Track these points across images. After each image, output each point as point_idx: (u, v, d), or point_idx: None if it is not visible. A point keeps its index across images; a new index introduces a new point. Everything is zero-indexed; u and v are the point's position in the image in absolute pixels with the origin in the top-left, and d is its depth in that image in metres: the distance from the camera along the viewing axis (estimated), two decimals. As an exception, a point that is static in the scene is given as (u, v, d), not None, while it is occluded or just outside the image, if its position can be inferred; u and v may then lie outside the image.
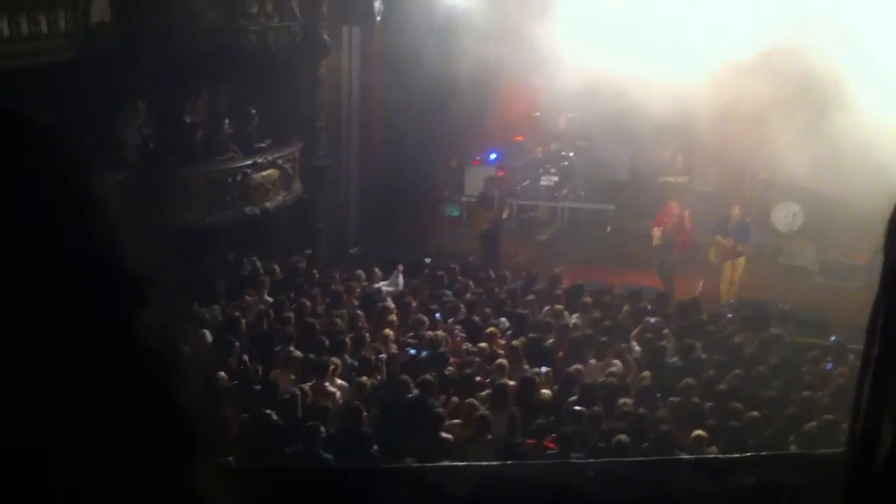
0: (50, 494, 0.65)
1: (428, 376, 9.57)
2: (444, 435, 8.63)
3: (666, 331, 12.09)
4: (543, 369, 10.57)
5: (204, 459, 0.75)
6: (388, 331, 11.26)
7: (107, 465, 0.67)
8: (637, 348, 11.56)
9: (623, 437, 8.50)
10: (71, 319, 0.67)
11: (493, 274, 14.67)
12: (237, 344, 10.49)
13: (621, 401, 9.64)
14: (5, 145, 0.70)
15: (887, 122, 14.54)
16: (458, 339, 11.48)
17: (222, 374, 9.41)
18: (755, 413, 9.44)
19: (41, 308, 0.66)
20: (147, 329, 0.72)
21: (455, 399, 9.52)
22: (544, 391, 10.01)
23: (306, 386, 9.53)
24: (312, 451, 8.07)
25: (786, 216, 16.65)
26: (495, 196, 16.81)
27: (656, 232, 15.67)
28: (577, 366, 10.62)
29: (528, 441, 8.72)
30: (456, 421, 9.02)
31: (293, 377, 9.89)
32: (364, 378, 9.71)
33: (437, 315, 12.39)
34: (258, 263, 13.67)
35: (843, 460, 0.83)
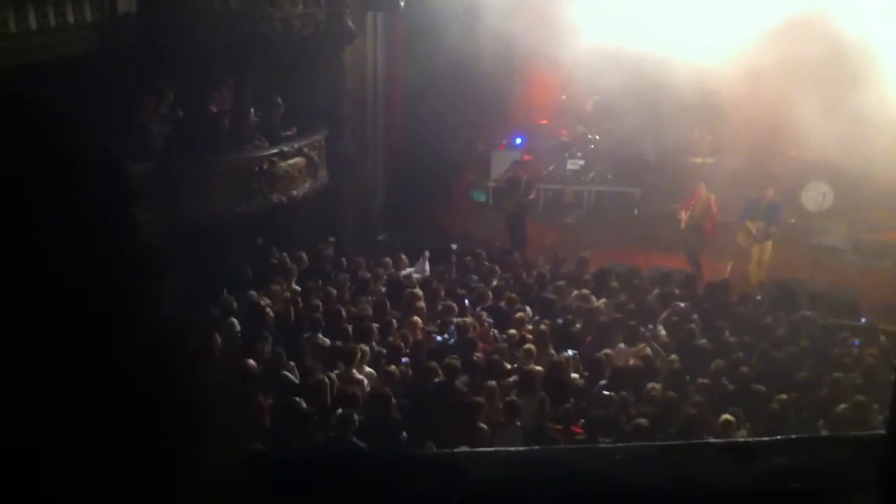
0: (50, 494, 0.64)
1: (451, 360, 9.60)
2: (481, 424, 8.62)
3: (695, 315, 12.01)
4: (570, 352, 10.55)
5: (210, 454, 0.74)
6: (416, 318, 11.26)
7: (108, 465, 0.65)
8: (663, 332, 11.50)
9: (643, 420, 8.44)
10: (75, 318, 0.66)
11: (519, 259, 14.64)
12: (266, 333, 10.54)
13: (650, 385, 9.59)
14: (25, 129, 0.70)
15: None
16: (486, 324, 11.48)
17: (251, 361, 9.47)
18: (783, 396, 9.37)
19: (44, 304, 0.64)
20: (156, 327, 0.71)
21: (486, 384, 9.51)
22: (574, 375, 9.99)
23: (333, 374, 9.56)
24: (346, 439, 8.11)
25: (815, 196, 16.46)
26: (522, 179, 16.77)
27: (683, 215, 15.58)
28: (607, 350, 10.59)
29: (556, 427, 8.70)
30: (479, 399, 9.02)
31: (320, 365, 9.93)
32: (393, 367, 9.72)
33: (465, 301, 12.39)
34: (285, 256, 13.72)
35: (882, 442, 0.81)
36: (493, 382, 9.33)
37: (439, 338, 10.99)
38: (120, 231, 0.72)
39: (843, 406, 9.18)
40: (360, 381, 9.56)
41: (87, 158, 0.73)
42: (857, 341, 11.64)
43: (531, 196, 16.98)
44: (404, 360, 10.08)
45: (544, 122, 19.93)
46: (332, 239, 15.16)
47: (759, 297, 13.23)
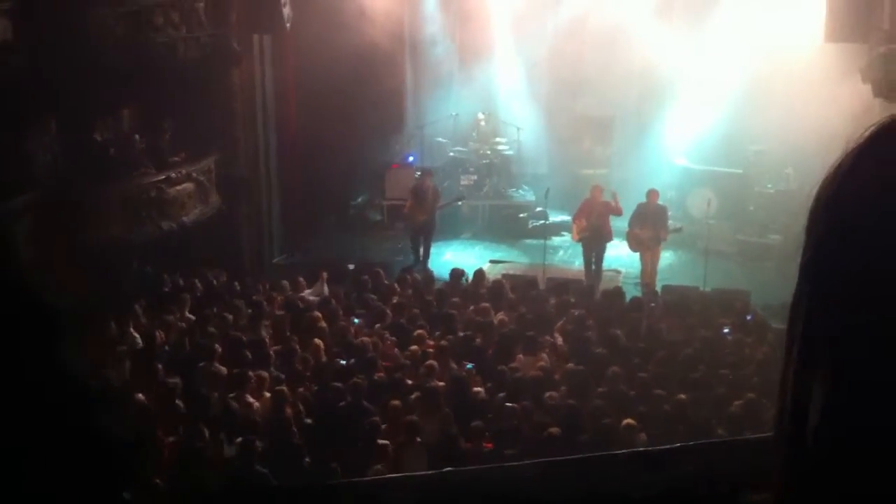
0: None
1: (356, 379, 9.55)
2: (381, 441, 8.59)
3: (590, 322, 12.21)
4: (469, 366, 10.60)
5: (129, 483, 0.72)
6: (317, 340, 11.15)
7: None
8: (560, 340, 11.66)
9: (554, 429, 8.55)
10: None
11: (418, 277, 14.64)
12: (159, 364, 10.26)
13: (547, 394, 9.72)
14: None
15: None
16: (388, 342, 11.44)
17: (140, 396, 9.20)
18: (682, 396, 9.62)
19: None
20: (63, 358, 0.69)
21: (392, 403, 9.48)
22: (477, 389, 10.03)
23: (231, 402, 9.39)
24: (248, 467, 7.97)
25: (700, 203, 16.98)
26: (430, 188, 16.81)
27: (578, 225, 15.68)
28: (512, 363, 10.68)
29: (467, 444, 8.70)
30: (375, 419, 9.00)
31: (216, 394, 9.74)
32: (283, 387, 9.57)
33: (366, 320, 12.33)
34: (179, 280, 13.43)
35: (775, 438, 0.85)
36: (397, 402, 9.30)
37: (343, 362, 10.87)
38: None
39: (737, 403, 9.48)
40: (259, 408, 9.42)
41: None
42: (726, 329, 12.20)
43: (439, 204, 17.02)
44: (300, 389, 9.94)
45: (439, 139, 20.02)
46: (229, 264, 14.91)
47: (653, 305, 13.53)
